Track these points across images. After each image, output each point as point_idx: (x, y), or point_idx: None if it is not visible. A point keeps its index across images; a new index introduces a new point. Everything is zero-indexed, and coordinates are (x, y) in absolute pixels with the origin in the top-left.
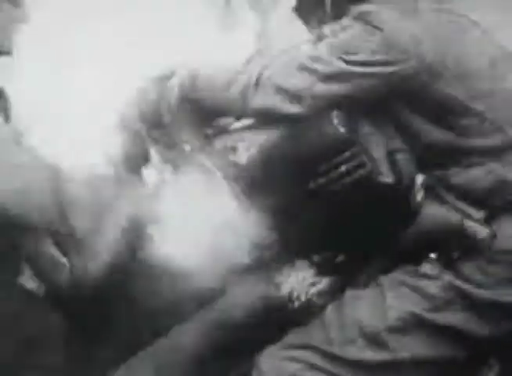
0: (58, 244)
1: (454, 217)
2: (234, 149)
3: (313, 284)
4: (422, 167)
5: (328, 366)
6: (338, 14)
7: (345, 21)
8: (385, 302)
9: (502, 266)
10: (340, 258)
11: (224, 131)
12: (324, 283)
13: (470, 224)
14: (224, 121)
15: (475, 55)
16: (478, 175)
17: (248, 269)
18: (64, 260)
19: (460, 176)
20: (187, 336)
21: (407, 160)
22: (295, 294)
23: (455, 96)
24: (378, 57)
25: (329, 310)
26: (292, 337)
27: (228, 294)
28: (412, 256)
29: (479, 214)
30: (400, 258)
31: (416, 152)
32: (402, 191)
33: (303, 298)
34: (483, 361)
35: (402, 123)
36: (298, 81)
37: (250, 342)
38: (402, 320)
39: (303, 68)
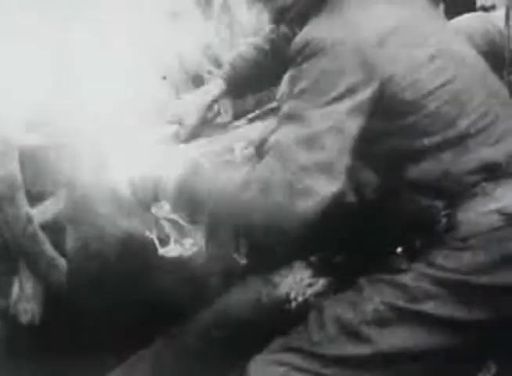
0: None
1: (408, 208)
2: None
3: (310, 285)
4: (378, 170)
5: (312, 366)
6: None
7: None
8: (362, 296)
9: (473, 251)
10: (337, 259)
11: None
12: (321, 284)
13: (425, 214)
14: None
15: (416, 52)
16: (429, 166)
17: (246, 269)
18: (62, 260)
19: (413, 171)
20: (186, 336)
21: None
22: (293, 294)
23: (405, 99)
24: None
25: (311, 314)
26: (278, 341)
27: (226, 295)
28: (381, 253)
29: (437, 203)
30: (373, 257)
31: (372, 159)
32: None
33: (300, 299)
34: (479, 362)
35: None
36: None
37: (249, 342)
38: (379, 312)
39: None
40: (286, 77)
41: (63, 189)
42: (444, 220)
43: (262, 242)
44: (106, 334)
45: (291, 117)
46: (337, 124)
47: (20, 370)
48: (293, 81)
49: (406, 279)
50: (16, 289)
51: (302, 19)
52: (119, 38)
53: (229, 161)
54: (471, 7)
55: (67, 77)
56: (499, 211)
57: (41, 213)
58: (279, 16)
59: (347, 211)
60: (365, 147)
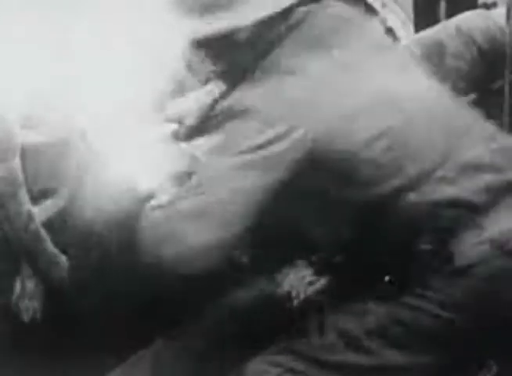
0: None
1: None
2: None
3: (311, 283)
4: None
5: (308, 370)
6: None
7: None
8: (365, 307)
9: (470, 279)
10: (338, 258)
11: None
12: (322, 282)
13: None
14: None
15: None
16: (398, 210)
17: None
18: (63, 258)
19: (383, 218)
20: (186, 335)
21: None
22: (294, 292)
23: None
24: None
25: (312, 318)
26: (278, 343)
27: (227, 294)
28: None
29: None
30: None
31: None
32: None
33: (301, 297)
34: (480, 363)
35: None
36: None
37: (250, 342)
38: (381, 326)
39: None
40: None
41: (64, 188)
42: (437, 252)
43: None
44: (106, 334)
45: None
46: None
47: (21, 369)
48: None
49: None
50: (17, 287)
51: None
52: (119, 38)
53: None
54: (473, 4)
55: (67, 76)
56: (490, 241)
57: (43, 211)
58: None
59: None
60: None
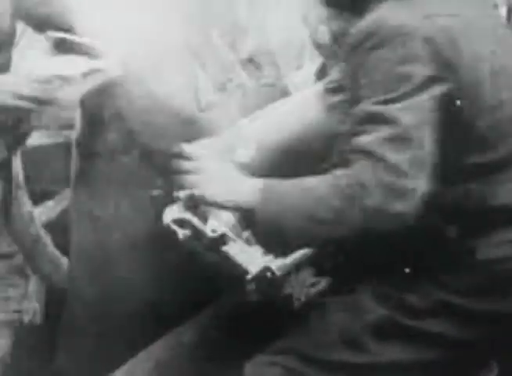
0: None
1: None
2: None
3: (313, 285)
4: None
5: (307, 370)
6: None
7: None
8: (364, 306)
9: (485, 276)
10: (339, 259)
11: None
12: (323, 284)
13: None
14: None
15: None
16: (473, 187)
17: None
18: (65, 260)
19: (458, 189)
20: (186, 336)
21: None
22: (295, 294)
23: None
24: None
25: (313, 318)
26: (278, 343)
27: (227, 294)
28: (387, 269)
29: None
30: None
31: None
32: None
33: (303, 299)
34: (481, 362)
35: None
36: None
37: (250, 342)
38: (379, 325)
39: None
40: (342, 68)
41: (66, 190)
42: (461, 244)
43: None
44: (107, 334)
45: (372, 119)
46: (422, 117)
47: (22, 369)
48: (358, 74)
49: (413, 297)
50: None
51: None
52: None
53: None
54: None
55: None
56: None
57: (44, 212)
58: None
59: None
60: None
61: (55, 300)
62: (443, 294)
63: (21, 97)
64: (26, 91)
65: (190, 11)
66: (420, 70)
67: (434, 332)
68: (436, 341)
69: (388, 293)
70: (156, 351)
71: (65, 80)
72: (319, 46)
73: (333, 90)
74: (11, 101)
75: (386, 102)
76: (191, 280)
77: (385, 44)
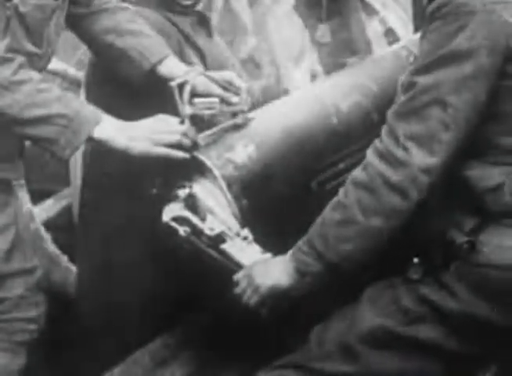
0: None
1: (435, 224)
2: (231, 146)
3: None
4: None
5: None
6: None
7: None
8: (359, 315)
9: (490, 281)
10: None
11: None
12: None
13: (452, 232)
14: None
15: None
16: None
17: None
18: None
19: (476, 169)
20: (185, 336)
21: None
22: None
23: None
24: None
25: (314, 329)
26: (280, 359)
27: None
28: (397, 261)
29: (469, 222)
30: (386, 264)
31: None
32: None
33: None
34: (479, 363)
35: None
36: None
37: (251, 343)
38: (372, 334)
39: None
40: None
41: (66, 188)
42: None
43: None
44: (107, 334)
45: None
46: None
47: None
48: (421, 42)
49: (407, 300)
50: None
51: None
52: None
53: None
54: None
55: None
56: None
57: (44, 211)
58: None
59: None
60: None
61: (55, 300)
62: (439, 298)
63: None
64: None
65: None
66: (466, 42)
67: (427, 339)
68: (430, 349)
69: (382, 292)
70: (155, 350)
71: None
72: (319, 45)
73: None
74: None
75: (418, 72)
76: (192, 280)
77: (446, 17)
